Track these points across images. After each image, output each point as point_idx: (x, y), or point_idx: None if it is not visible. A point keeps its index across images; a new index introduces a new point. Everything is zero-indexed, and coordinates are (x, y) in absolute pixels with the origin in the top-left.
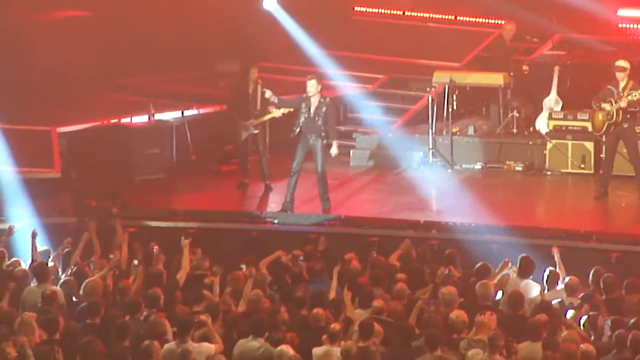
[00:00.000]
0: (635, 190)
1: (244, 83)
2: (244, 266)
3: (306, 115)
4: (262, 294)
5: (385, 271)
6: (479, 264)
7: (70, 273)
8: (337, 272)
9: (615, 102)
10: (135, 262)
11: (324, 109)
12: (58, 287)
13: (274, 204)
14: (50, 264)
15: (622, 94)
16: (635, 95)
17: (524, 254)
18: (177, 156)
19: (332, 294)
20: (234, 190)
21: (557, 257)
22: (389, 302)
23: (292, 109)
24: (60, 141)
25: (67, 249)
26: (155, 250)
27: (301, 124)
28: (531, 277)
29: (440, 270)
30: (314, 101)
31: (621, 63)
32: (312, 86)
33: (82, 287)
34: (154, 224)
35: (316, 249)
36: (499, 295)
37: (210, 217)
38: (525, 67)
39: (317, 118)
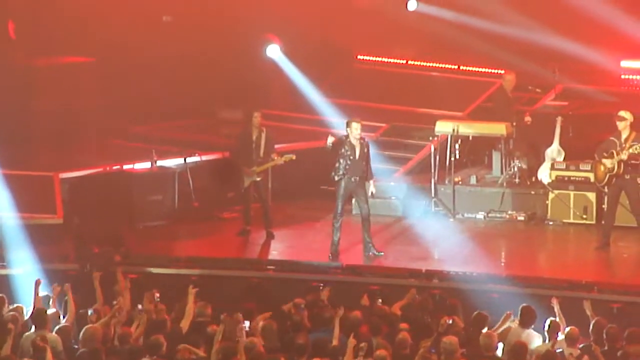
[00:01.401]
0: (637, 241)
1: (247, 130)
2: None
3: (351, 158)
4: (258, 342)
5: (385, 320)
6: (475, 313)
7: (70, 320)
8: (339, 321)
9: (617, 154)
10: (140, 306)
11: (365, 150)
12: (54, 334)
13: (275, 251)
14: (52, 310)
15: (624, 145)
16: (637, 148)
17: (525, 304)
18: (179, 203)
19: (335, 342)
20: (235, 237)
21: (556, 308)
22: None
23: (294, 157)
24: (63, 187)
25: (66, 297)
26: (156, 297)
27: (346, 168)
28: (532, 327)
29: (444, 320)
30: (356, 143)
31: (623, 114)
32: (358, 129)
33: (82, 333)
34: (155, 270)
35: (319, 298)
36: (500, 346)
37: (212, 264)
38: (527, 118)
39: (362, 160)
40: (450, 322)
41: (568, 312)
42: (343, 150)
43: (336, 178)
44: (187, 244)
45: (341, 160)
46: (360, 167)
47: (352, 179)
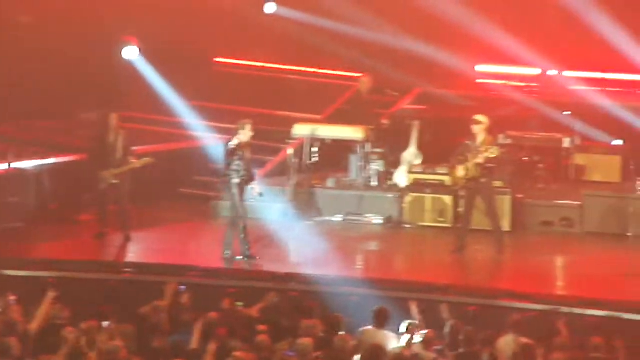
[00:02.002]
0: (492, 244)
1: (104, 132)
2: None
3: (245, 160)
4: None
5: (243, 322)
6: (332, 316)
7: None
8: (198, 323)
9: (474, 158)
10: None
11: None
12: None
13: (132, 253)
14: None
15: (480, 149)
16: (492, 153)
17: (378, 305)
18: (36, 205)
19: (194, 345)
20: (92, 240)
21: (414, 312)
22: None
23: (152, 160)
24: None
25: None
26: (11, 300)
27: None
28: (389, 329)
29: (304, 323)
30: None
31: (478, 118)
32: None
33: None
34: (10, 273)
35: (178, 300)
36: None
37: (68, 267)
38: (385, 121)
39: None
40: (312, 325)
41: (425, 315)
42: (240, 153)
43: (237, 180)
44: (43, 246)
45: (239, 163)
46: (250, 169)
47: (246, 181)
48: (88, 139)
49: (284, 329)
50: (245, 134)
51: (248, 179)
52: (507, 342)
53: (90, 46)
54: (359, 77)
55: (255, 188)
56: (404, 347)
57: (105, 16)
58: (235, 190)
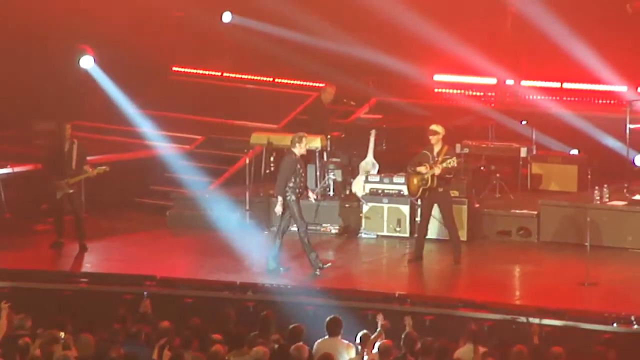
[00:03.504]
0: (449, 254)
1: (59, 141)
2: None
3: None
4: (74, 356)
5: (197, 333)
6: (292, 326)
7: None
8: (154, 333)
9: (431, 168)
10: None
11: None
12: None
13: (89, 264)
14: None
15: (437, 159)
16: (450, 162)
17: (332, 316)
18: None
19: (154, 356)
20: (48, 250)
21: (380, 323)
22: None
23: (107, 169)
24: None
25: None
26: None
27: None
28: (345, 339)
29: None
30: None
31: (434, 128)
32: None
33: None
34: None
35: (136, 310)
36: None
37: (24, 277)
38: (342, 130)
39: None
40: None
41: (390, 325)
42: (298, 168)
43: (294, 197)
44: None
45: (296, 179)
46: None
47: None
48: (43, 149)
49: (238, 338)
50: (301, 147)
51: (303, 191)
52: (465, 352)
53: (46, 55)
54: (317, 86)
55: (310, 196)
56: (357, 357)
57: (60, 25)
58: (294, 207)
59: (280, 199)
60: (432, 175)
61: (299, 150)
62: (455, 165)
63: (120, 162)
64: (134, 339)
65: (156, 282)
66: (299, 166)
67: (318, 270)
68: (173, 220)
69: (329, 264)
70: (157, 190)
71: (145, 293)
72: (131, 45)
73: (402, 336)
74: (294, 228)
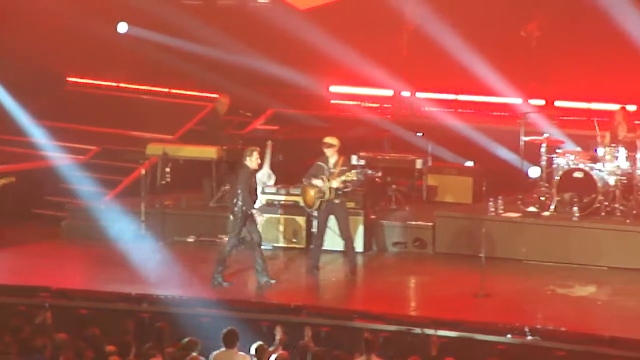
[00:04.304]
0: (344, 265)
1: None
2: None
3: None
4: None
5: (91, 344)
6: (186, 339)
7: None
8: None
9: (328, 180)
10: None
11: None
12: None
13: None
14: None
15: (333, 171)
16: (349, 176)
17: (228, 327)
18: None
19: None
20: None
21: (278, 336)
22: None
23: (13, 179)
24: None
25: None
26: None
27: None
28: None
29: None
30: None
31: (329, 140)
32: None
33: None
34: None
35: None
36: None
37: None
38: (239, 141)
39: None
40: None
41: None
42: (253, 181)
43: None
44: None
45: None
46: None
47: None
48: None
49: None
50: (252, 161)
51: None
52: None
53: None
54: (213, 97)
55: (256, 213)
56: None
57: None
58: (239, 220)
59: (254, 210)
60: (330, 188)
61: (250, 163)
62: (355, 178)
63: (15, 173)
64: (35, 352)
65: (51, 294)
66: (253, 179)
67: (215, 283)
68: (68, 231)
69: (229, 283)
70: (52, 201)
71: (46, 304)
72: (26, 55)
73: (295, 346)
74: (189, 239)
